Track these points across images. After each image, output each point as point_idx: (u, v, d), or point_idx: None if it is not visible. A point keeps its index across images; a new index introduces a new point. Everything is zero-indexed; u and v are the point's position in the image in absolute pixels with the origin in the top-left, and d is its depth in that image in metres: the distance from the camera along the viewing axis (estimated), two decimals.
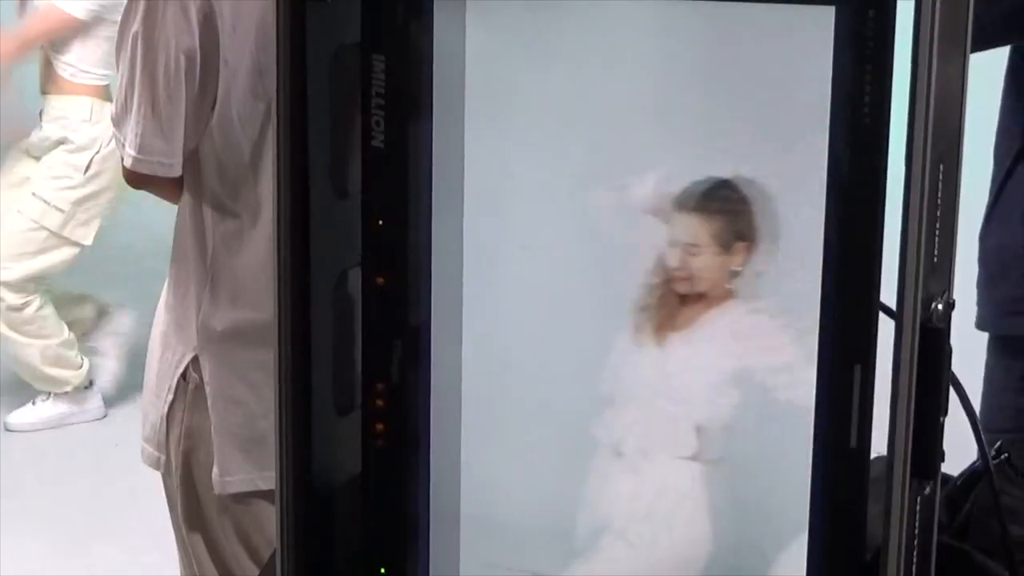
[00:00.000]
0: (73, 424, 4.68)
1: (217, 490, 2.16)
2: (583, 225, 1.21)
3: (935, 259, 1.09)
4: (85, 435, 4.65)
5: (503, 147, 1.22)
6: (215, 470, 2.14)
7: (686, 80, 1.17)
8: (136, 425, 2.27)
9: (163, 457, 2.21)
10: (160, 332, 2.20)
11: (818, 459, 1.15)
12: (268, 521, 2.14)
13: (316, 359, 1.25)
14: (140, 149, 2.00)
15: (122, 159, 2.05)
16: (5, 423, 4.68)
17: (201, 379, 2.14)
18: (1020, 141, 2.07)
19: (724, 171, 1.16)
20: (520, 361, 1.24)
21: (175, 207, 2.15)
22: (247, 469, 2.14)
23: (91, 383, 4.76)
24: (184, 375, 2.16)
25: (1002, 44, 2.04)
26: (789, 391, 1.15)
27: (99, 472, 4.32)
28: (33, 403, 4.72)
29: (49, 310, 4.55)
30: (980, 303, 2.13)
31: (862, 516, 1.15)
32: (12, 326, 4.49)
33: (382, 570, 1.28)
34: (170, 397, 2.17)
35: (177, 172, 2.03)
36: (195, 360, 2.15)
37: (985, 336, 2.15)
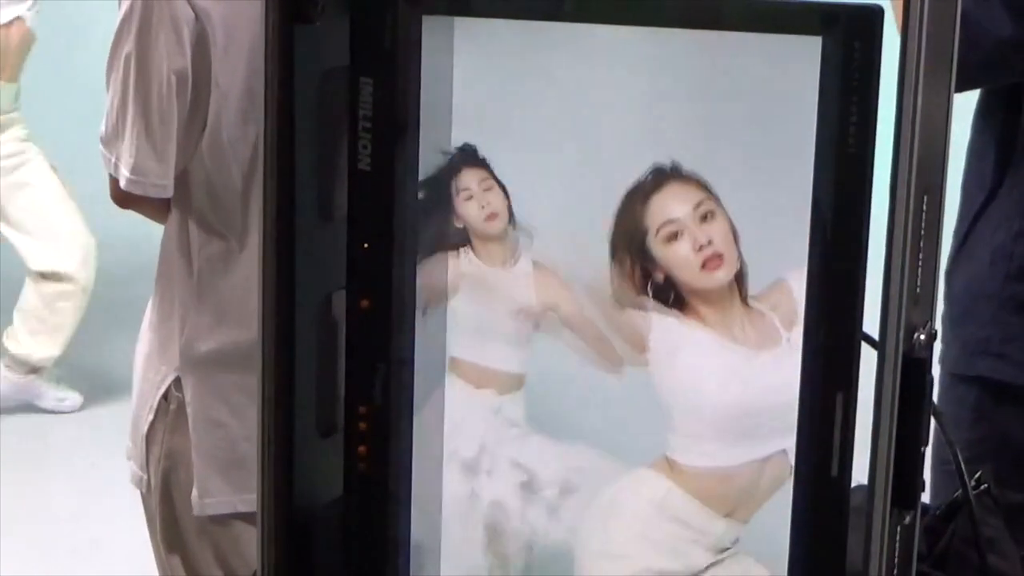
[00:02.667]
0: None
1: (196, 512, 2.15)
2: (569, 247, 1.21)
3: (918, 289, 1.09)
4: (65, 450, 4.66)
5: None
6: (195, 492, 2.13)
7: (673, 105, 1.18)
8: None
9: (145, 476, 2.20)
10: (144, 351, 2.20)
11: (799, 487, 1.15)
12: (247, 543, 2.14)
13: (299, 381, 1.25)
14: (134, 170, 2.00)
15: (113, 179, 2.04)
16: None
17: (183, 400, 2.14)
18: (991, 182, 2.08)
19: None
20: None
21: None
22: (227, 491, 2.13)
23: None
24: (166, 395, 2.15)
25: (980, 86, 2.06)
26: None
27: (79, 491, 4.31)
28: None
29: None
30: (943, 341, 2.13)
31: (842, 545, 1.15)
32: None
33: None
34: (151, 417, 2.16)
35: (169, 193, 2.03)
36: (177, 380, 2.14)
37: None
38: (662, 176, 1.17)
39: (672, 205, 1.17)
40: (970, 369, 2.09)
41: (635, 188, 1.18)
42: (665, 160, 1.16)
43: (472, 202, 1.23)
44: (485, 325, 1.24)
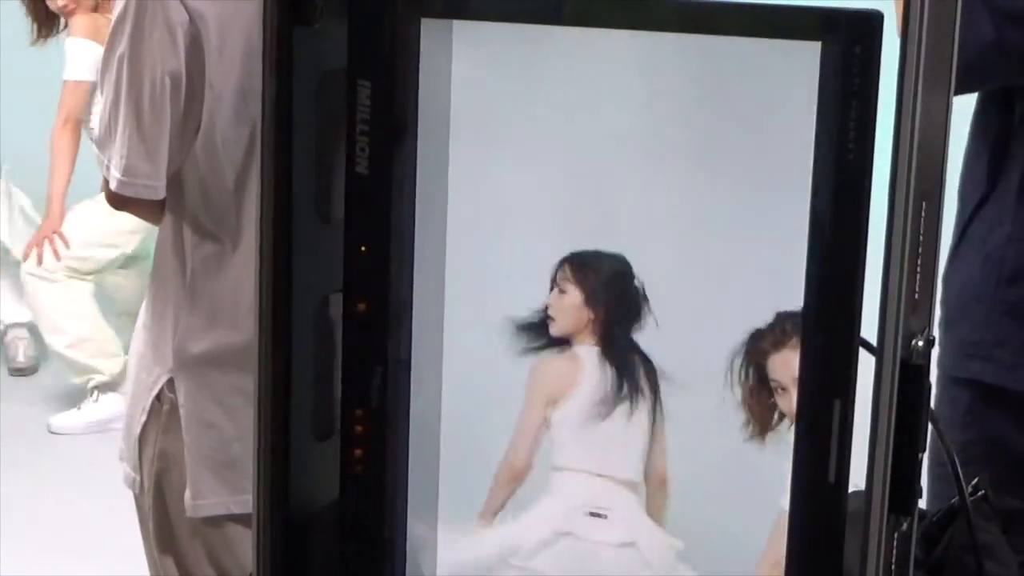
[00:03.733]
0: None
1: (189, 513, 2.15)
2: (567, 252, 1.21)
3: (916, 296, 1.09)
4: (61, 452, 4.67)
5: (488, 174, 1.23)
6: (187, 493, 2.13)
7: (671, 112, 1.18)
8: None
9: (138, 478, 2.20)
10: (137, 352, 2.19)
11: (796, 493, 1.15)
12: (240, 545, 2.14)
13: (296, 384, 1.25)
14: (125, 171, 1.99)
15: (106, 181, 2.04)
16: (49, 425, 4.91)
17: (176, 401, 2.13)
18: (985, 186, 2.08)
19: (708, 202, 1.16)
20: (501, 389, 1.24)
21: None
22: (219, 493, 2.13)
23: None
24: (159, 396, 2.15)
25: (967, 91, 2.06)
26: None
27: (76, 490, 4.32)
28: (78, 408, 4.95)
29: None
30: (939, 342, 2.13)
31: (839, 551, 1.15)
32: None
33: None
34: (144, 418, 2.16)
35: (161, 194, 2.03)
36: (170, 382, 2.14)
37: None
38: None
39: None
40: (963, 371, 2.09)
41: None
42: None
43: (553, 294, 1.22)
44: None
